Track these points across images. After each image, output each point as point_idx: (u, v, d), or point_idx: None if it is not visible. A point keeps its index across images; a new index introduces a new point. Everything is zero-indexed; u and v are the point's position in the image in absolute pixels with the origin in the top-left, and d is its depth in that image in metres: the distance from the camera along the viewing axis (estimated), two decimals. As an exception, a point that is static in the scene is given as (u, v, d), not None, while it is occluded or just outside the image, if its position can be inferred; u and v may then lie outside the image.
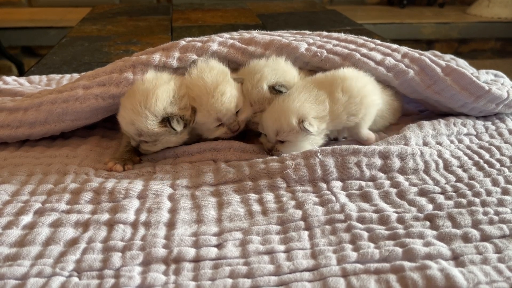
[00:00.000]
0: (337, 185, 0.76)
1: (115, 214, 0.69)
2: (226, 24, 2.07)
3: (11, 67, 3.16)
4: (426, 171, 0.80)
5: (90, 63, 1.49)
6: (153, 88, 0.81)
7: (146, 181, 0.78)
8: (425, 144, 0.88)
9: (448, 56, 1.35)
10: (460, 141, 0.91)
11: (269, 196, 0.74)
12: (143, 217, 0.68)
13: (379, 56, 0.96)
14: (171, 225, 0.67)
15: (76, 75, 1.31)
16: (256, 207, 0.71)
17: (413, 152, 0.80)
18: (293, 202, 0.72)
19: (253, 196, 0.74)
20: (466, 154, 0.85)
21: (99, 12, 2.37)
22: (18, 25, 3.08)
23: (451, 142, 0.91)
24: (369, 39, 1.02)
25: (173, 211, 0.70)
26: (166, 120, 0.81)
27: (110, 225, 0.67)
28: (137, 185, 0.76)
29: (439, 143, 0.89)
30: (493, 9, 3.53)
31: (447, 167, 0.81)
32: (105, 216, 0.68)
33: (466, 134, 0.94)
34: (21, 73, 3.08)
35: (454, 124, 0.95)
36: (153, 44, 1.70)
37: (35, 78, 1.28)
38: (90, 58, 1.55)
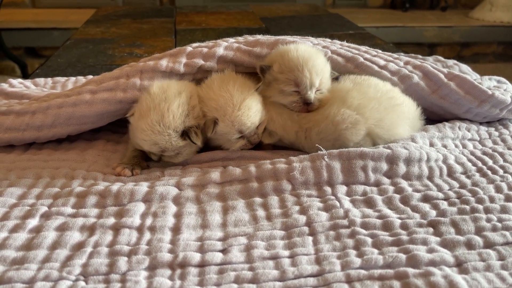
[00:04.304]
0: (341, 189, 0.77)
1: (121, 219, 0.69)
2: (229, 27, 2.08)
3: (15, 68, 3.17)
4: (430, 178, 0.80)
5: (95, 66, 1.50)
6: (166, 104, 0.81)
7: (151, 183, 0.79)
8: (432, 145, 0.88)
9: (451, 61, 1.36)
10: (464, 146, 0.92)
11: (274, 201, 0.74)
12: (148, 221, 0.69)
13: (382, 62, 0.97)
14: (176, 229, 0.68)
15: (81, 78, 1.32)
16: (261, 212, 0.72)
17: (420, 157, 0.80)
18: (297, 207, 0.72)
19: (258, 200, 0.75)
20: (469, 160, 0.86)
21: (102, 14, 2.38)
22: (21, 26, 3.09)
23: (456, 146, 0.91)
24: (371, 49, 1.04)
25: (178, 215, 0.71)
26: (185, 134, 0.82)
27: (116, 229, 0.67)
28: (142, 187, 0.76)
29: (444, 146, 0.89)
30: (495, 13, 3.53)
31: (451, 173, 0.81)
32: (111, 220, 0.69)
33: (469, 139, 0.95)
34: (24, 74, 3.09)
35: (459, 128, 0.95)
36: (157, 47, 1.72)
37: (41, 80, 1.29)
38: (95, 60, 1.56)
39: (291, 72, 0.86)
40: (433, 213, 0.71)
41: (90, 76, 1.34)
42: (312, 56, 0.87)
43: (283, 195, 0.76)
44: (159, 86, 0.84)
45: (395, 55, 1.02)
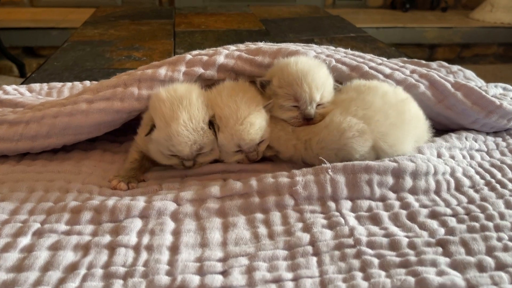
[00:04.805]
0: (346, 205, 0.74)
1: (117, 236, 0.66)
2: (229, 29, 2.05)
3: (12, 68, 3.15)
4: (437, 192, 0.77)
5: (92, 69, 1.47)
6: (187, 100, 0.79)
7: (149, 197, 0.76)
8: (439, 155, 0.85)
9: (455, 67, 1.34)
10: (472, 157, 0.89)
11: (276, 217, 0.71)
12: (145, 239, 0.66)
13: (387, 70, 0.95)
14: (174, 249, 0.65)
15: (77, 83, 1.29)
16: (263, 230, 0.69)
17: (427, 171, 0.77)
18: (300, 224, 0.69)
19: (259, 216, 0.72)
20: (478, 173, 0.83)
21: (101, 15, 2.35)
22: (19, 25, 3.07)
23: (463, 157, 0.88)
24: (376, 57, 1.01)
25: (176, 233, 0.68)
26: (211, 124, 0.80)
27: (112, 248, 0.64)
28: (139, 202, 0.73)
29: (452, 157, 0.86)
30: (496, 14, 3.52)
31: (458, 187, 0.79)
32: (107, 238, 0.66)
33: (477, 150, 0.92)
34: (22, 74, 3.06)
35: (466, 138, 0.93)
36: (156, 49, 1.69)
37: (36, 86, 1.25)
38: (92, 64, 1.53)
39: (290, 86, 0.83)
40: (441, 231, 0.68)
41: (87, 81, 1.31)
42: (312, 70, 0.83)
43: (286, 211, 0.73)
44: (166, 90, 0.81)
45: (400, 63, 0.99)
